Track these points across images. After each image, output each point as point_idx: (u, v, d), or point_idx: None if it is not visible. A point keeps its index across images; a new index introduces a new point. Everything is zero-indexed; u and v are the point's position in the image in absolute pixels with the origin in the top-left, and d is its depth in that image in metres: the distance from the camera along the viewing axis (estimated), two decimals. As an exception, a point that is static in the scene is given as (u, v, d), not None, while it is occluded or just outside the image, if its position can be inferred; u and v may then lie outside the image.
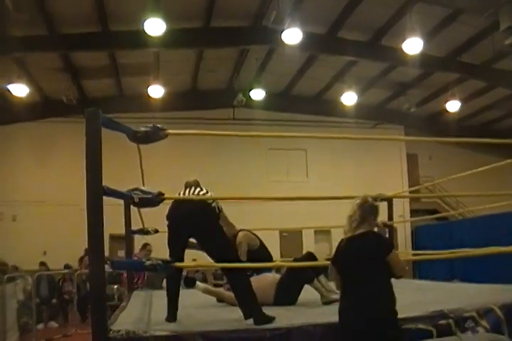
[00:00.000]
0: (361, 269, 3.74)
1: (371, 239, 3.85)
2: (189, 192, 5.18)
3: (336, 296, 5.54)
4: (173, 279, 4.95)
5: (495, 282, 6.25)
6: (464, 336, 3.88)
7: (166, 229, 4.98)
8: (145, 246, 10.99)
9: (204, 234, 4.76)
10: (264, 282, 5.71)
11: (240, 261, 4.91)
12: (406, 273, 3.93)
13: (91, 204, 3.58)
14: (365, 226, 3.89)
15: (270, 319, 4.18)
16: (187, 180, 5.53)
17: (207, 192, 5.23)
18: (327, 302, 5.53)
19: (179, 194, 5.17)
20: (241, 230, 6.40)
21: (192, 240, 5.02)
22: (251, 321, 4.22)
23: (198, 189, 5.24)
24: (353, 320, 3.68)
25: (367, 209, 3.96)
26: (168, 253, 4.81)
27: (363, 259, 3.75)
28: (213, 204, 5.06)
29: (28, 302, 12.26)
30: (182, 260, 4.86)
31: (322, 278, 5.74)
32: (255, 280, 5.50)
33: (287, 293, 5.61)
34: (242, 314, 4.36)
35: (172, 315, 4.64)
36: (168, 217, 4.95)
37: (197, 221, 4.73)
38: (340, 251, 3.95)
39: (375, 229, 4.13)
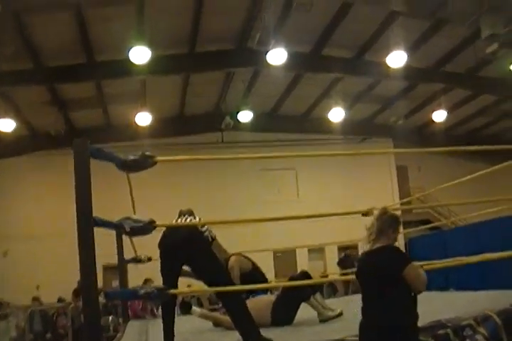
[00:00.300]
0: (375, 285, 3.67)
1: (386, 255, 3.72)
2: (181, 220, 5.22)
3: (333, 313, 5.54)
4: (168, 306, 4.95)
5: (490, 288, 6.27)
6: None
7: (158, 257, 4.99)
8: (146, 282, 10.91)
9: (197, 261, 4.77)
10: (259, 303, 5.70)
11: (234, 285, 4.90)
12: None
13: (82, 235, 3.57)
14: (384, 240, 3.76)
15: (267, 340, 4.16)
16: (181, 209, 5.56)
17: (200, 220, 5.25)
18: (324, 319, 5.52)
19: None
20: (233, 255, 6.39)
21: (185, 268, 5.02)
22: None
23: (191, 217, 5.27)
24: (365, 335, 3.66)
25: (385, 221, 3.80)
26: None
27: (377, 275, 3.66)
28: (206, 234, 5.08)
29: (21, 339, 12.09)
30: (176, 287, 4.85)
31: (318, 296, 5.74)
32: (251, 303, 5.49)
33: (284, 312, 5.59)
34: (238, 337, 4.34)
35: None
36: (160, 245, 4.96)
37: (189, 248, 4.74)
38: (359, 265, 3.90)
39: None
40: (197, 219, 5.26)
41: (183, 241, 4.76)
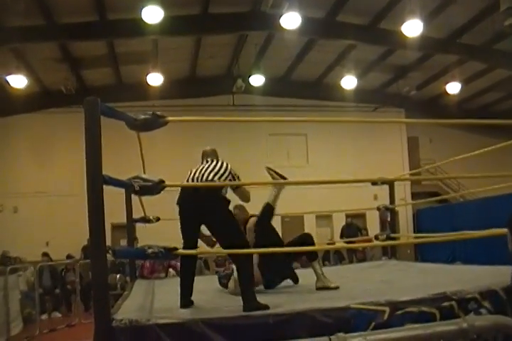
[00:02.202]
0: None
1: None
2: (208, 166, 5.05)
3: (333, 285, 5.38)
4: (186, 265, 4.89)
5: (496, 264, 6.26)
6: (469, 318, 3.89)
7: (177, 215, 4.90)
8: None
9: (215, 222, 4.69)
10: None
11: (249, 248, 4.83)
12: None
13: (91, 193, 3.56)
14: None
15: (262, 306, 4.11)
16: (204, 149, 5.42)
17: (227, 164, 5.12)
18: (321, 287, 5.41)
19: (196, 169, 5.06)
20: (252, 216, 6.28)
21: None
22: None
23: (218, 163, 5.12)
24: None
25: None
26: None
27: None
28: (223, 192, 4.94)
29: (31, 293, 12.36)
30: (195, 246, 4.82)
31: (316, 264, 5.64)
32: None
33: (268, 274, 5.48)
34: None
35: (186, 300, 4.58)
36: (179, 202, 4.86)
37: (209, 207, 4.64)
38: None
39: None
40: (224, 164, 5.10)
41: (202, 200, 4.66)
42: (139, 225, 7.98)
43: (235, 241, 4.57)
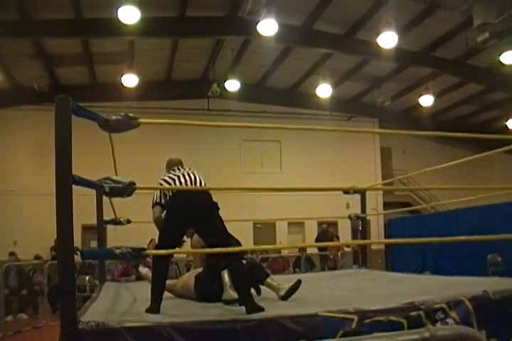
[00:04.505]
0: None
1: None
2: (192, 172, 5.08)
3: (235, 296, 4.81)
4: (162, 267, 4.73)
5: (465, 274, 6.33)
6: (432, 328, 3.90)
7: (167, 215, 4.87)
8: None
9: (208, 225, 4.69)
10: (188, 276, 5.59)
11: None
12: None
13: (60, 193, 3.50)
14: None
15: (259, 308, 4.09)
16: (170, 158, 5.40)
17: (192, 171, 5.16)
18: (226, 300, 4.92)
19: (173, 175, 5.03)
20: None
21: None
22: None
23: (194, 170, 5.15)
24: None
25: None
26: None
27: None
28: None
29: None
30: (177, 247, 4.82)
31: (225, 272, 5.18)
32: (184, 277, 5.37)
33: (207, 286, 5.16)
34: (210, 306, 4.27)
35: (156, 306, 4.39)
36: (175, 205, 4.77)
37: (208, 209, 4.71)
38: None
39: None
40: (198, 172, 5.14)
41: (204, 202, 4.70)
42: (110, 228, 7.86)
43: (225, 242, 4.51)
